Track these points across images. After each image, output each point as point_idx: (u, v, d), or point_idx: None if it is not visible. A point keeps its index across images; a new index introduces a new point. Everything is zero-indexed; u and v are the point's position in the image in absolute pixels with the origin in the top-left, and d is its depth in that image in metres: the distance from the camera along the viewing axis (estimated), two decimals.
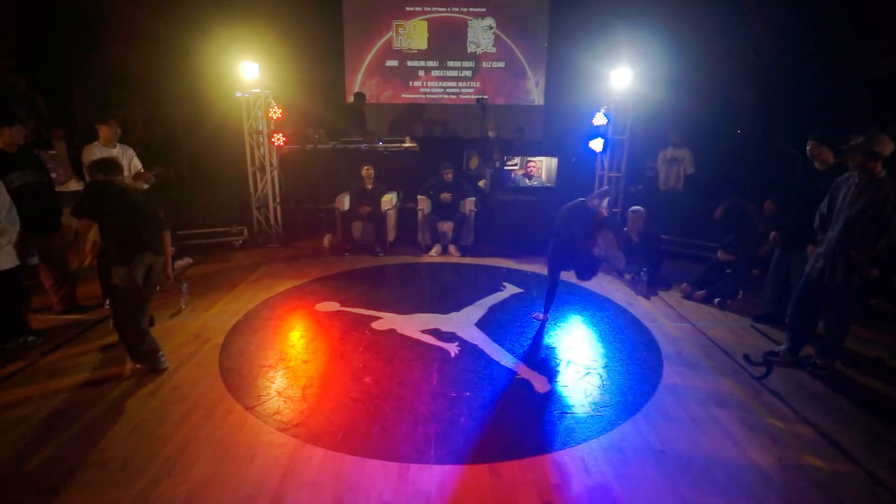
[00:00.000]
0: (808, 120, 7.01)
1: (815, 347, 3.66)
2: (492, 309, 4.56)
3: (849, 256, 3.30)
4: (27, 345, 3.72)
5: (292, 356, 3.64)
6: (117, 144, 4.53)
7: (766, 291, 4.48)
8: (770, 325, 4.33)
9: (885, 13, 6.35)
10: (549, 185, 6.91)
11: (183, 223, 6.39)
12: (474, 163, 7.74)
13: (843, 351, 3.67)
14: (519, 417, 2.94)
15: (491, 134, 7.63)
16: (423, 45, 9.07)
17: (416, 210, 6.53)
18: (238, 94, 6.41)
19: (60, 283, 4.26)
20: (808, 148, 3.90)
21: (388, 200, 6.51)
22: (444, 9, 8.94)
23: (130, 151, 4.62)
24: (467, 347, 3.82)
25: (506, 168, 6.96)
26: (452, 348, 3.79)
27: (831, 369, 3.50)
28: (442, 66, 9.17)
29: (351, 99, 9.12)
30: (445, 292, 5.02)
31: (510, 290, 5.05)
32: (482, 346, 3.84)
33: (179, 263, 5.80)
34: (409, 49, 9.08)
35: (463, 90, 9.26)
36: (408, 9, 8.92)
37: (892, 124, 4.50)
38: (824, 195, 3.63)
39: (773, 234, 4.31)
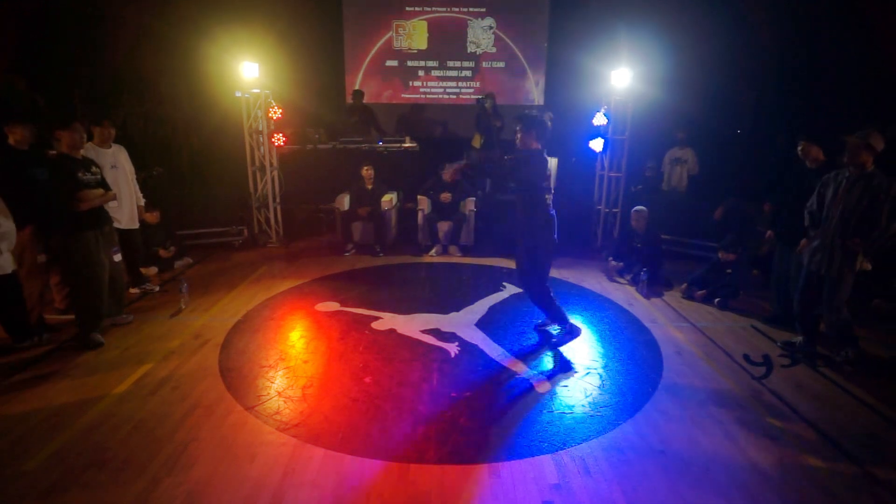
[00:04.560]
0: (809, 120, 7.03)
1: (831, 347, 3.70)
2: (492, 309, 4.56)
3: (845, 248, 3.41)
4: (41, 342, 3.74)
5: (292, 356, 3.64)
6: (112, 144, 4.57)
7: (773, 292, 4.50)
8: (776, 326, 4.30)
9: (884, 13, 6.35)
10: None
11: (183, 223, 6.40)
12: (477, 141, 7.65)
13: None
14: (519, 417, 2.94)
15: (496, 124, 7.56)
16: (423, 45, 9.07)
17: (416, 210, 6.53)
18: (238, 94, 6.41)
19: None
20: (799, 147, 4.03)
21: (388, 200, 6.52)
22: (444, 9, 8.94)
23: (125, 151, 4.71)
24: (467, 347, 3.82)
25: None
26: (452, 348, 3.79)
27: (855, 362, 3.55)
28: (442, 66, 9.16)
29: (350, 99, 9.14)
30: (445, 292, 5.02)
31: (510, 290, 5.05)
32: (482, 346, 3.84)
33: (179, 263, 5.81)
34: (409, 49, 9.08)
35: (463, 90, 9.25)
36: (408, 9, 8.92)
37: (890, 123, 4.50)
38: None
39: (768, 232, 4.37)
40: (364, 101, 8.35)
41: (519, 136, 3.75)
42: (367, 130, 7.86)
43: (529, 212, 3.76)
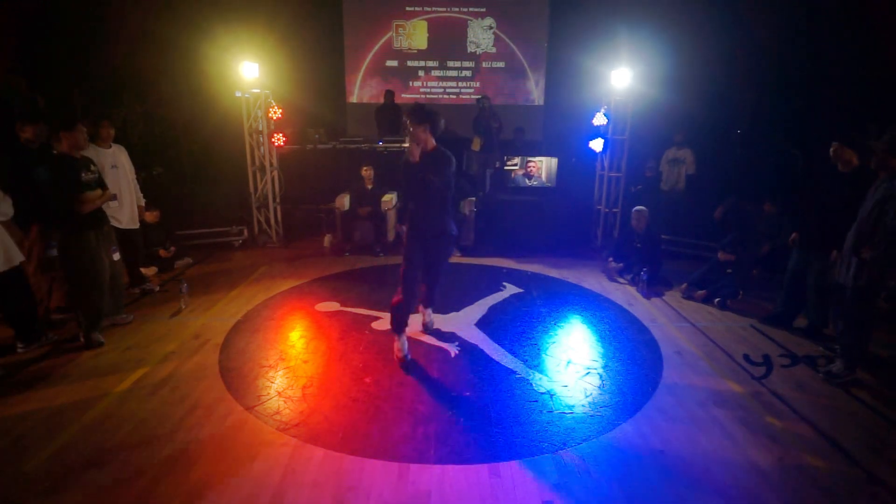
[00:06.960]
0: (809, 120, 7.02)
1: (836, 354, 3.60)
2: (492, 309, 4.56)
3: (858, 255, 3.30)
4: (45, 342, 3.74)
5: (292, 356, 3.64)
6: (112, 144, 4.58)
7: (781, 293, 4.41)
8: (775, 326, 4.30)
9: (884, 12, 6.35)
10: (549, 185, 6.91)
11: (183, 223, 6.40)
12: (476, 144, 7.64)
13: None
14: (519, 417, 2.94)
15: (495, 125, 7.56)
16: (423, 45, 9.08)
17: None
18: (238, 94, 6.41)
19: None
20: (831, 150, 3.80)
21: (388, 200, 6.51)
22: (444, 9, 8.95)
23: (125, 151, 4.73)
24: (467, 347, 3.82)
25: (506, 168, 6.97)
26: (452, 348, 3.79)
27: (852, 378, 3.42)
28: (442, 66, 9.18)
29: (353, 99, 9.15)
30: (445, 292, 5.01)
31: (510, 290, 5.05)
32: (482, 346, 3.84)
33: (179, 263, 5.81)
34: (409, 49, 9.09)
35: (463, 90, 9.26)
36: (408, 9, 8.93)
37: (892, 124, 4.50)
38: (847, 198, 3.57)
39: (793, 234, 4.21)
40: (365, 100, 8.34)
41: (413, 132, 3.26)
42: (396, 130, 7.85)
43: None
